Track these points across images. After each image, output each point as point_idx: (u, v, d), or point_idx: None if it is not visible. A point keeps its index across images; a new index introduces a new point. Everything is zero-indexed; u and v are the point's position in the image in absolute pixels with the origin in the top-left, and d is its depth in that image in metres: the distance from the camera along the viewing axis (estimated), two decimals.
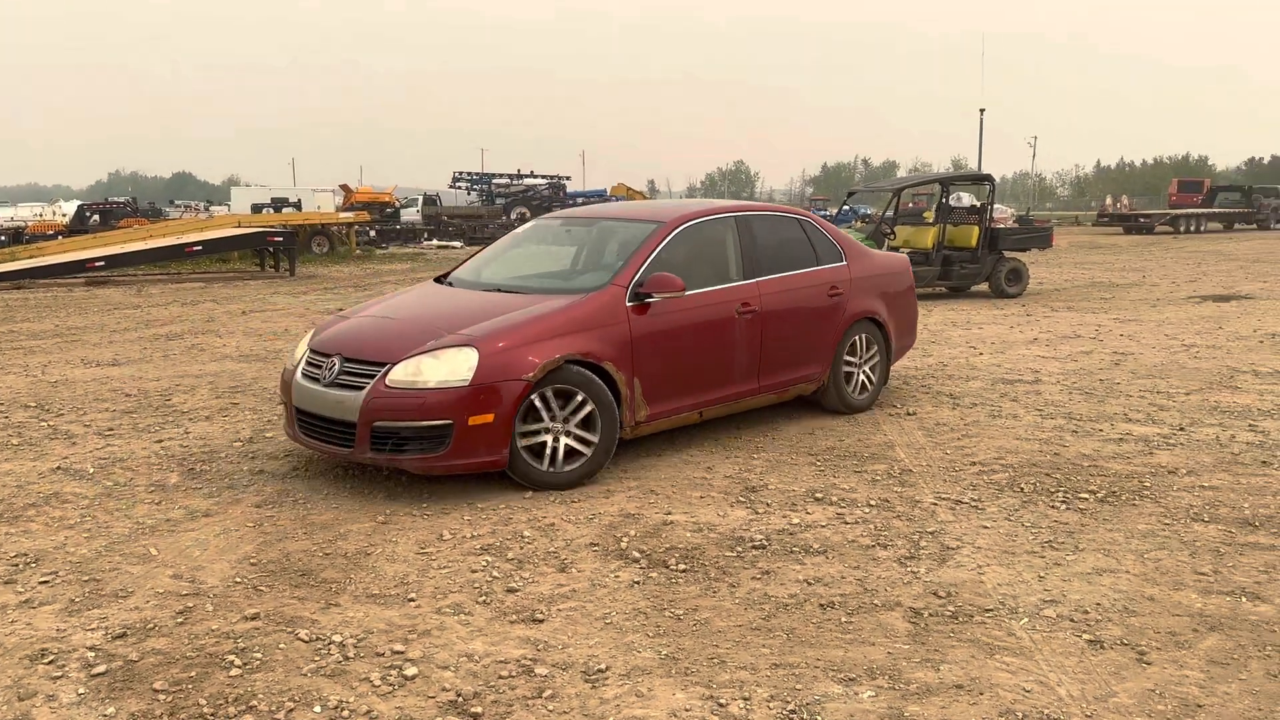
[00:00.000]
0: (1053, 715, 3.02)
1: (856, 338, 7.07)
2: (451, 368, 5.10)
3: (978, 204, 17.98)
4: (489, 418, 5.09)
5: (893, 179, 33.26)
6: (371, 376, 5.19)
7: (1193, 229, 39.29)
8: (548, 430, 5.33)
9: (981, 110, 55.82)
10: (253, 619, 3.80)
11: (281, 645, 3.59)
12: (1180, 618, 3.70)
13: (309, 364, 5.62)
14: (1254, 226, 41.95)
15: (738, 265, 6.41)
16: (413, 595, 4.02)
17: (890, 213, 16.77)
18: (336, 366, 5.37)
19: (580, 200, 50.16)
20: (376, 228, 34.99)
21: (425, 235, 37.02)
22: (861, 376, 7.16)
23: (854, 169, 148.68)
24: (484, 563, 4.37)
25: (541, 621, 3.78)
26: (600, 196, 52.28)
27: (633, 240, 6.12)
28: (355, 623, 3.77)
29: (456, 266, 6.95)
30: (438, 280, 6.76)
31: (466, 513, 5.03)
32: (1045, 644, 3.51)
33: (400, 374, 5.14)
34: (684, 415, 6.02)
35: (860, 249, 7.42)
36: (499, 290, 6.09)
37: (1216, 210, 42.67)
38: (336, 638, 3.63)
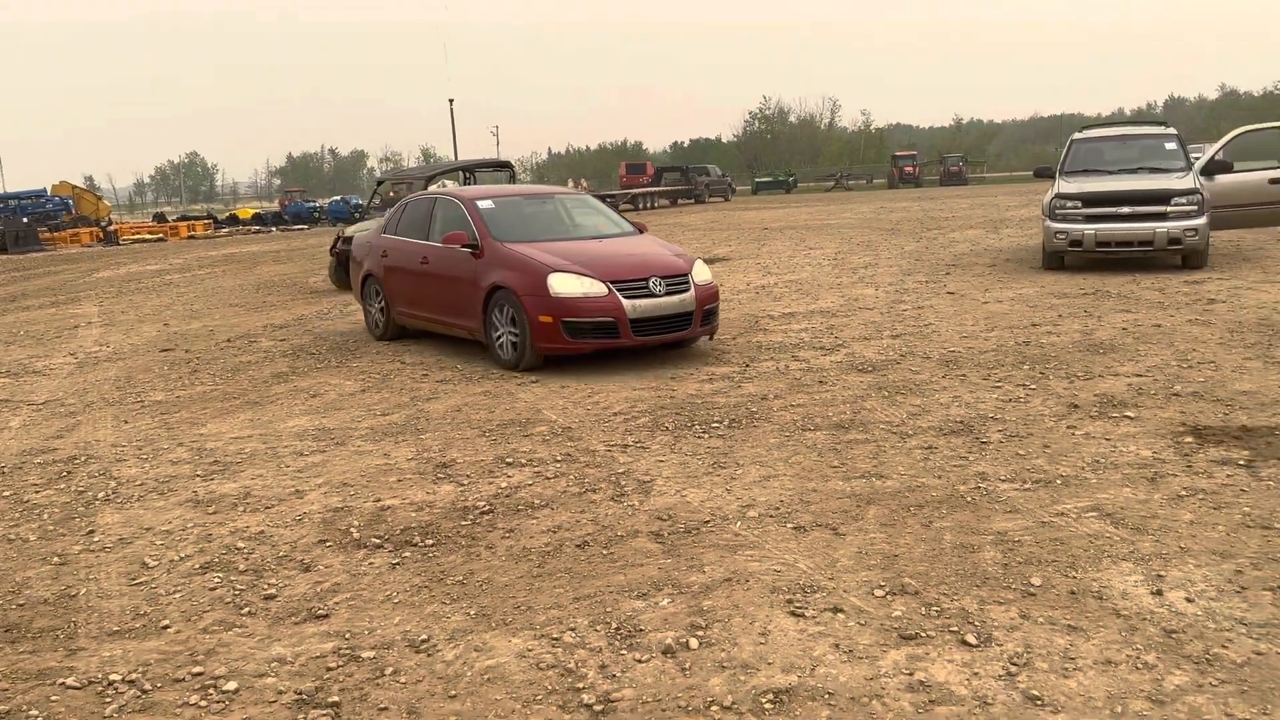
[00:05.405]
0: (806, 583, 3.81)
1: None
2: (706, 271, 8.61)
3: None
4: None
5: (422, 166, 34.44)
6: (685, 283, 8.15)
7: (649, 206, 44.83)
8: None
9: (451, 100, 58.17)
10: None
11: (54, 698, 3.19)
12: (842, 500, 4.74)
13: (627, 289, 7.86)
14: (693, 201, 49.05)
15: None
16: (166, 623, 3.73)
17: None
18: (661, 284, 7.97)
19: (15, 202, 43.82)
20: None
21: None
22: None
23: (322, 159, 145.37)
24: (217, 579, 4.14)
25: (327, 616, 3.75)
26: (40, 196, 46.27)
27: (596, 205, 10.21)
28: (122, 659, 3.45)
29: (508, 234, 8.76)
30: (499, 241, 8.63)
31: (154, 538, 4.65)
32: (766, 537, 4.32)
33: (697, 278, 8.30)
34: None
35: None
36: (596, 239, 9.01)
37: (665, 189, 49.16)
38: (115, 676, 3.31)
